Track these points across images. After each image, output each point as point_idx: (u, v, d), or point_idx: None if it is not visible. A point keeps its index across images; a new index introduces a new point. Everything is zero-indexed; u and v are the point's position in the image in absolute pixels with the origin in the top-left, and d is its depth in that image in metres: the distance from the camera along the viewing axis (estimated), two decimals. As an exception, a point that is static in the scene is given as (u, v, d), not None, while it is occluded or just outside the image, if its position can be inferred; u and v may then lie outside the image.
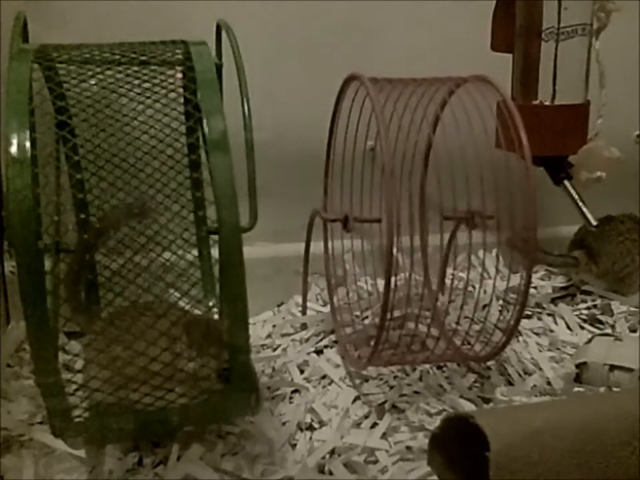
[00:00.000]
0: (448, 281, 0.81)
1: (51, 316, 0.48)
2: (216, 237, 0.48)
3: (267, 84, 0.81)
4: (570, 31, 0.71)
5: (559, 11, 0.70)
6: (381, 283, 0.79)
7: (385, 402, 0.65)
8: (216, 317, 0.64)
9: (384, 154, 0.57)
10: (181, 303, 0.56)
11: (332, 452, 0.59)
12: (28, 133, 0.45)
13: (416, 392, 0.67)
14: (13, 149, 0.45)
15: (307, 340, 0.78)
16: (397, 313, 0.76)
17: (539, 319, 0.83)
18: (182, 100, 0.53)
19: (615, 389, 0.68)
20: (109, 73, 0.53)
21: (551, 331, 0.80)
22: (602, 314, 0.84)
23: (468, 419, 0.47)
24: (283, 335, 0.79)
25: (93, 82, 0.52)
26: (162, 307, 0.54)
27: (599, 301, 0.87)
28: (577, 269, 0.88)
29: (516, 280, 0.72)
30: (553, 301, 0.87)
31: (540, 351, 0.76)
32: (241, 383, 0.52)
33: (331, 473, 0.57)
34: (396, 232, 0.60)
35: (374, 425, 0.63)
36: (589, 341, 0.73)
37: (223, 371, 0.53)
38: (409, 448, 0.59)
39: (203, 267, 0.69)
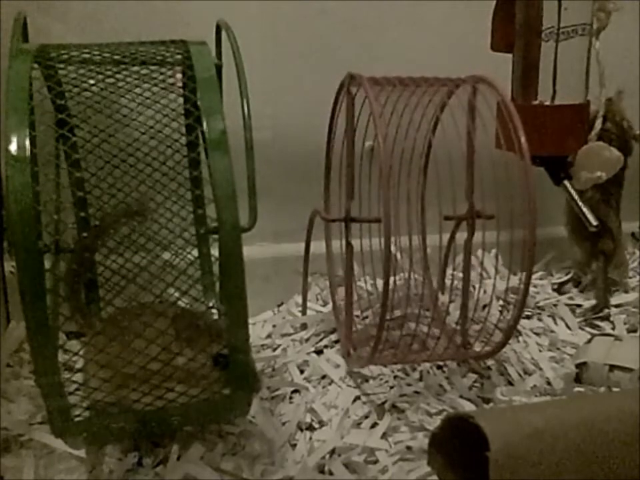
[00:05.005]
0: (448, 281, 0.81)
1: (51, 316, 0.48)
2: (216, 237, 0.48)
3: (266, 84, 0.81)
4: (570, 31, 0.71)
5: (558, 11, 0.70)
6: (381, 282, 0.80)
7: (385, 402, 0.65)
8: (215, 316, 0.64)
9: (382, 158, 0.57)
10: (181, 303, 0.56)
11: (332, 452, 0.59)
12: (27, 131, 0.45)
13: (416, 392, 0.67)
14: (13, 148, 0.45)
15: (307, 340, 0.78)
16: (397, 313, 0.77)
17: (539, 319, 0.83)
18: (181, 100, 0.53)
19: (614, 389, 0.68)
20: (108, 72, 0.53)
21: (551, 331, 0.80)
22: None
23: (468, 419, 0.47)
24: (283, 335, 0.79)
25: (92, 81, 0.52)
26: (161, 305, 0.54)
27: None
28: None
29: (515, 280, 0.73)
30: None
31: (540, 351, 0.76)
32: (241, 383, 0.52)
33: (331, 473, 0.56)
34: (395, 232, 0.60)
35: (374, 425, 0.62)
36: (589, 341, 0.73)
37: (218, 359, 0.53)
38: (409, 448, 0.59)
39: (202, 266, 0.70)
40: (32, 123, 0.47)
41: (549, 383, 0.70)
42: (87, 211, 0.60)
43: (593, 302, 0.86)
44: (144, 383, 0.50)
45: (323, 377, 0.71)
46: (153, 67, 0.54)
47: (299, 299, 0.84)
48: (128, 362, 0.50)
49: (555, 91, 0.72)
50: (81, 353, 0.55)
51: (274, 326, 0.81)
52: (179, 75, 0.53)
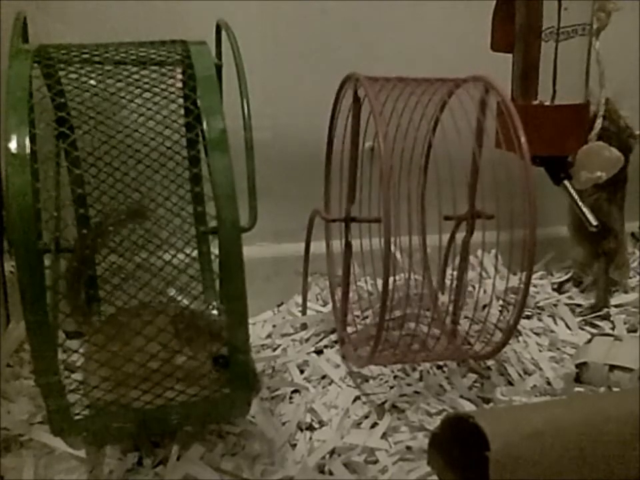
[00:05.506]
0: (448, 281, 0.81)
1: (51, 315, 0.48)
2: (216, 236, 0.48)
3: (266, 84, 0.81)
4: (570, 31, 0.71)
5: (559, 11, 0.70)
6: (381, 282, 0.80)
7: (385, 402, 0.65)
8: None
9: (382, 156, 0.57)
10: (181, 302, 0.56)
11: (332, 452, 0.59)
12: (27, 130, 0.45)
13: (416, 392, 0.67)
14: (13, 147, 0.45)
15: (307, 340, 0.78)
16: (397, 313, 0.77)
17: (539, 319, 0.83)
18: (181, 100, 0.53)
19: (615, 389, 0.68)
20: (108, 72, 0.53)
21: (551, 331, 0.80)
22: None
23: (468, 419, 0.47)
24: (283, 335, 0.79)
25: (92, 81, 0.52)
26: (161, 304, 0.54)
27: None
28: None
29: (515, 280, 0.73)
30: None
31: (540, 351, 0.76)
32: (241, 383, 0.52)
33: (330, 473, 0.57)
34: (395, 232, 0.60)
35: (374, 425, 0.63)
36: (589, 341, 0.73)
37: (218, 358, 0.53)
38: (409, 448, 0.59)
39: (202, 265, 0.69)
40: (32, 121, 0.47)
41: (548, 383, 0.70)
42: (87, 208, 0.60)
43: (593, 302, 0.86)
44: (144, 381, 0.50)
45: (323, 377, 0.71)
46: (153, 67, 0.54)
47: (299, 299, 0.84)
48: (128, 360, 0.50)
49: (554, 91, 0.72)
50: (80, 351, 0.55)
51: (274, 326, 0.81)
52: (179, 75, 0.53)
